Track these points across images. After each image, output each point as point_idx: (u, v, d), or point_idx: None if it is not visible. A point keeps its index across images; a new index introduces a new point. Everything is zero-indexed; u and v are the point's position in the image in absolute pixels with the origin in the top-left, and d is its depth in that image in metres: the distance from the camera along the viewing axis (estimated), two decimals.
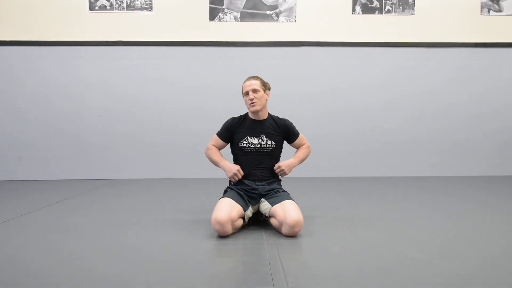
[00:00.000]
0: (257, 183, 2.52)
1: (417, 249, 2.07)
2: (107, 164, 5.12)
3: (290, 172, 2.60)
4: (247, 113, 2.63)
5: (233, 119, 2.62)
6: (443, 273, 1.73)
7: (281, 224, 2.30)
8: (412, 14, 5.19)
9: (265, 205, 2.46)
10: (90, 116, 5.12)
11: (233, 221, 2.29)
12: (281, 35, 5.15)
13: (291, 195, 2.52)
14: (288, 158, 2.65)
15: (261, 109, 2.53)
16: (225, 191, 2.57)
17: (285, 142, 2.69)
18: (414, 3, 5.17)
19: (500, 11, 5.19)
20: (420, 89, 5.24)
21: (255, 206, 2.51)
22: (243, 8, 5.11)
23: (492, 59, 5.22)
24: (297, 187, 3.25)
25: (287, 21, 5.16)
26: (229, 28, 5.13)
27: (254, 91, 2.50)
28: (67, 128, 5.10)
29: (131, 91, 5.13)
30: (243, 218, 2.43)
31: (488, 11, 5.19)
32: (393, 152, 5.22)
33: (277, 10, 5.14)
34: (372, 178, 4.91)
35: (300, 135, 2.70)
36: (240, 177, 2.51)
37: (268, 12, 5.14)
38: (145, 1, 5.08)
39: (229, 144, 2.66)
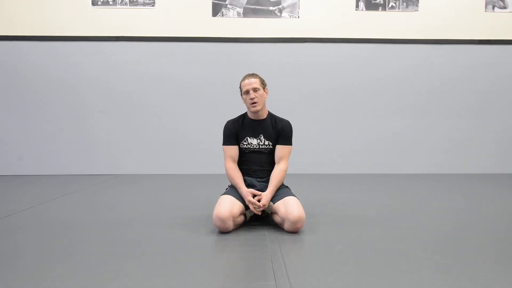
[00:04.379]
0: (258, 180, 2.51)
1: (420, 247, 2.06)
2: (109, 159, 5.12)
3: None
4: (246, 113, 2.58)
5: (232, 122, 2.55)
6: (448, 272, 1.73)
7: (283, 220, 2.30)
8: (416, 10, 5.15)
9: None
10: (92, 111, 5.12)
11: (234, 218, 2.29)
12: (284, 31, 5.13)
13: (293, 191, 2.51)
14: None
15: (261, 108, 2.48)
16: (227, 189, 2.55)
17: None
18: (418, 0, 5.13)
19: (505, 7, 5.15)
20: (424, 86, 5.21)
21: None
22: (246, 4, 5.09)
23: (497, 56, 5.18)
24: (299, 183, 3.24)
25: (290, 17, 5.14)
26: (232, 24, 5.11)
27: (255, 90, 2.43)
28: (69, 123, 5.11)
29: (134, 86, 5.13)
30: (244, 215, 2.42)
31: (493, 8, 5.15)
32: (397, 149, 5.21)
33: (280, 6, 5.12)
34: (375, 175, 4.90)
35: (290, 147, 2.51)
36: (255, 205, 2.35)
37: (271, 8, 5.11)
38: None
39: None
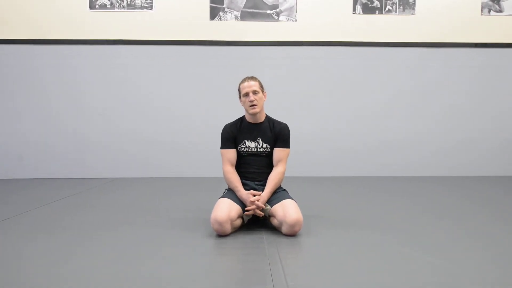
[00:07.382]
0: (256, 183, 2.51)
1: (419, 249, 2.07)
2: (106, 162, 5.11)
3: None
4: (243, 116, 2.59)
5: (230, 126, 2.56)
6: (441, 273, 1.73)
7: (281, 223, 2.30)
8: (412, 14, 5.18)
9: (265, 206, 2.44)
10: (90, 114, 5.11)
11: (232, 221, 2.29)
12: (281, 34, 5.15)
13: (290, 194, 2.51)
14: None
15: (260, 111, 2.49)
16: (225, 192, 2.55)
17: None
18: (414, 3, 5.16)
19: (500, 11, 5.19)
20: (420, 89, 5.23)
21: None
22: (244, 7, 5.11)
23: (493, 60, 5.21)
24: (296, 186, 3.24)
25: (288, 20, 5.16)
26: (230, 27, 5.13)
27: (255, 92, 2.44)
28: (67, 126, 5.09)
29: (131, 90, 5.12)
30: (242, 218, 2.42)
31: (489, 11, 5.18)
32: (393, 152, 5.21)
33: (277, 10, 5.13)
34: (372, 178, 4.91)
35: (287, 150, 2.53)
36: (253, 207, 2.37)
37: (268, 11, 5.13)
38: (145, 0, 5.07)
39: None
